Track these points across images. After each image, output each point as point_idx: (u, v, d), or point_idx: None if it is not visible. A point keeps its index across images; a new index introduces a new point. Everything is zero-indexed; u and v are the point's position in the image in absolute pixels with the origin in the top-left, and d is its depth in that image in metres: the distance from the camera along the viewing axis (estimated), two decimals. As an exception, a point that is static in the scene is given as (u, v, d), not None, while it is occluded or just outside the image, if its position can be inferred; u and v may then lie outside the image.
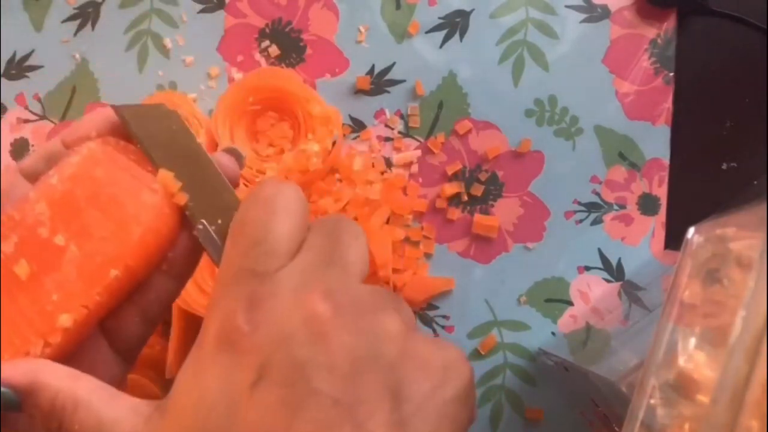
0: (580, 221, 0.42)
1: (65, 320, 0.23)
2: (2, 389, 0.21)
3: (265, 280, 0.21)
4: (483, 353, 0.41)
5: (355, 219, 0.41)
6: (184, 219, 0.25)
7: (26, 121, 0.46)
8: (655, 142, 0.42)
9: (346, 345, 0.19)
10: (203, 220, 0.23)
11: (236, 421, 0.19)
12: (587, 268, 0.41)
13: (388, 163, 0.43)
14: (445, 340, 0.24)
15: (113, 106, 0.24)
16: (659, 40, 0.42)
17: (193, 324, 0.38)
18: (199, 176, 0.25)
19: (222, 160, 0.26)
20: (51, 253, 0.23)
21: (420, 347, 0.21)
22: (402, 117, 0.43)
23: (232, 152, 0.27)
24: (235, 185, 0.27)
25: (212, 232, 0.23)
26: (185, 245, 0.25)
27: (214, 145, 0.41)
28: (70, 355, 0.23)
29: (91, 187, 0.24)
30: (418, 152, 0.43)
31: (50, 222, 0.23)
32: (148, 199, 0.24)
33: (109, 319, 0.25)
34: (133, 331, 0.25)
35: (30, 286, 0.23)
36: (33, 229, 0.23)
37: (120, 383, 0.25)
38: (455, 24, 0.43)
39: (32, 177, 0.25)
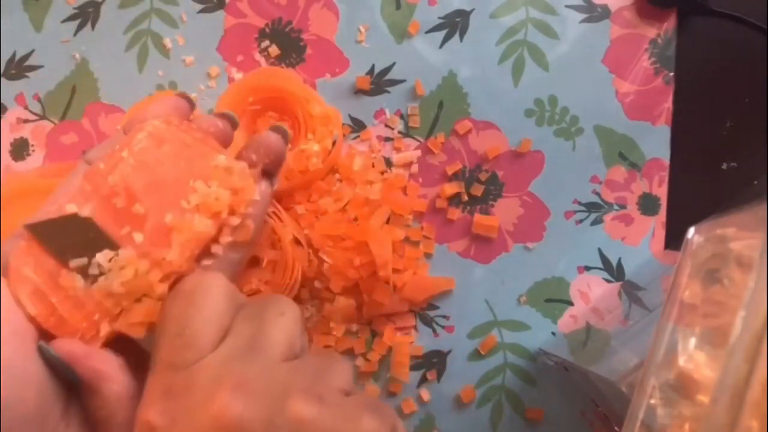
0: (580, 221, 0.42)
1: (155, 279, 0.24)
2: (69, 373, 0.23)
3: (182, 373, 0.21)
4: (483, 353, 0.41)
5: (355, 219, 0.41)
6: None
7: (26, 121, 0.46)
8: (655, 142, 0.42)
9: None
10: (41, 342, 0.24)
11: None
12: (587, 268, 0.41)
13: (388, 163, 0.43)
14: (374, 403, 0.23)
15: (27, 226, 0.24)
16: (659, 40, 0.42)
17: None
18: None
19: (270, 137, 0.28)
20: (131, 220, 0.24)
21: (327, 423, 0.21)
22: (402, 117, 0.43)
23: (278, 130, 0.29)
24: (281, 162, 0.29)
25: (51, 352, 0.24)
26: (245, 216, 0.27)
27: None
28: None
29: (164, 161, 0.25)
30: (418, 152, 0.43)
31: (125, 192, 0.24)
32: (216, 172, 0.26)
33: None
34: None
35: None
36: (108, 199, 0.24)
37: None
38: (455, 24, 0.43)
39: None
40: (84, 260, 0.24)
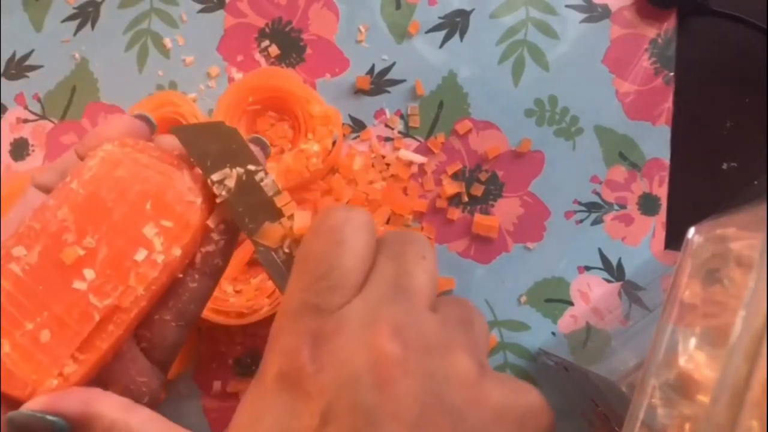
0: (581, 221, 0.42)
1: (103, 318, 0.22)
2: (55, 419, 0.21)
3: (330, 317, 0.20)
4: (483, 353, 0.41)
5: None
6: (218, 212, 0.24)
7: (26, 120, 0.46)
8: (655, 142, 0.41)
9: (413, 392, 0.18)
10: (263, 243, 0.23)
11: None
12: (587, 268, 0.41)
13: (388, 163, 0.43)
14: (523, 381, 0.22)
15: (174, 129, 0.24)
16: (659, 40, 0.42)
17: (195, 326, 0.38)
18: (247, 191, 0.24)
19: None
20: (82, 257, 0.23)
21: (494, 393, 0.19)
22: (402, 117, 0.43)
23: (257, 142, 0.27)
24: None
25: (274, 255, 0.23)
26: (219, 240, 0.24)
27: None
28: (109, 365, 0.23)
29: (116, 187, 0.23)
30: (425, 159, 0.42)
31: (75, 226, 0.23)
32: (177, 193, 0.23)
33: (144, 327, 0.24)
34: (169, 338, 0.24)
35: (62, 292, 0.23)
36: (57, 237, 0.23)
37: (159, 395, 0.24)
38: (455, 24, 0.43)
39: (47, 190, 0.25)
40: (226, 171, 0.23)
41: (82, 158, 0.25)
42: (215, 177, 0.24)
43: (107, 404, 0.21)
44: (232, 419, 0.20)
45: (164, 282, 0.23)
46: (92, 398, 0.21)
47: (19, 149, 0.46)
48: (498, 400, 0.20)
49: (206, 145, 0.24)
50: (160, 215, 0.23)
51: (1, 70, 0.46)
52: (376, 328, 0.19)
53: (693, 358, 0.20)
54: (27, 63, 0.46)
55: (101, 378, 0.23)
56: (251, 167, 0.25)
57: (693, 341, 0.21)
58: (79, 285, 0.22)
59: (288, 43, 0.44)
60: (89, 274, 0.23)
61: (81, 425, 0.21)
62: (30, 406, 0.21)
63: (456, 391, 0.19)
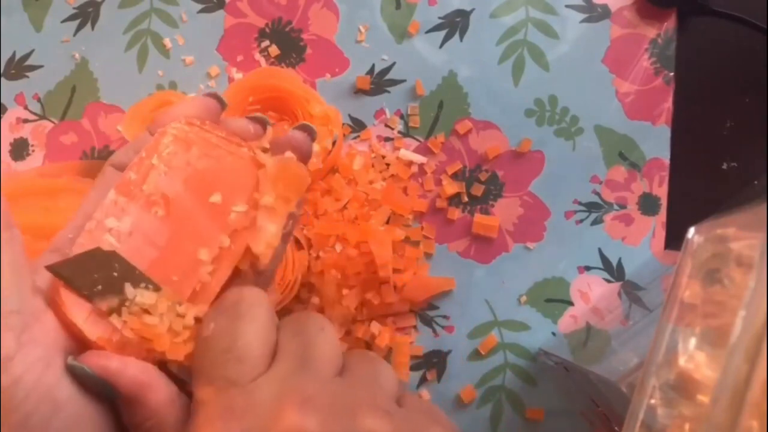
0: (581, 221, 0.42)
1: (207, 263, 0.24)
2: (105, 385, 0.22)
3: (242, 390, 0.21)
4: (483, 353, 0.41)
5: (355, 219, 0.41)
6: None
7: (26, 120, 0.46)
8: (655, 142, 0.41)
9: None
10: (71, 358, 0.22)
11: None
12: (587, 268, 0.41)
13: (388, 163, 0.43)
14: (430, 409, 0.24)
15: (49, 267, 0.23)
16: (659, 40, 0.42)
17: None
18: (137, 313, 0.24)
19: (296, 135, 0.27)
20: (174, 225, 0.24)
21: None
22: (402, 117, 0.43)
23: (305, 129, 0.28)
24: (308, 159, 0.28)
25: (86, 369, 0.22)
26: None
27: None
28: None
29: (194, 164, 0.25)
30: (425, 159, 0.42)
31: (162, 200, 0.24)
32: (244, 165, 0.25)
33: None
34: None
35: (168, 254, 0.24)
36: (147, 209, 0.24)
37: None
38: (455, 24, 0.43)
39: (123, 169, 0.25)
40: (114, 300, 0.23)
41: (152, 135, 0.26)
42: (104, 307, 0.23)
43: (156, 394, 0.22)
44: None
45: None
46: (146, 383, 0.22)
47: (19, 149, 0.46)
48: None
49: (87, 277, 0.23)
50: (236, 192, 0.25)
51: (1, 70, 0.46)
52: (285, 401, 0.20)
53: (693, 358, 0.20)
54: (27, 63, 0.46)
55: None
56: (141, 286, 0.24)
57: (693, 341, 0.21)
58: (203, 255, 0.24)
59: (288, 43, 0.44)
60: (203, 254, 0.24)
61: (127, 401, 0.22)
62: (88, 361, 0.22)
63: None
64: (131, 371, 0.22)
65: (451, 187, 0.42)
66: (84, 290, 0.23)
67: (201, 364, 0.22)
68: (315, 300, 0.41)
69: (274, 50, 0.44)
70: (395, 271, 0.41)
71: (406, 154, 0.42)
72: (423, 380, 0.41)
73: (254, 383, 0.21)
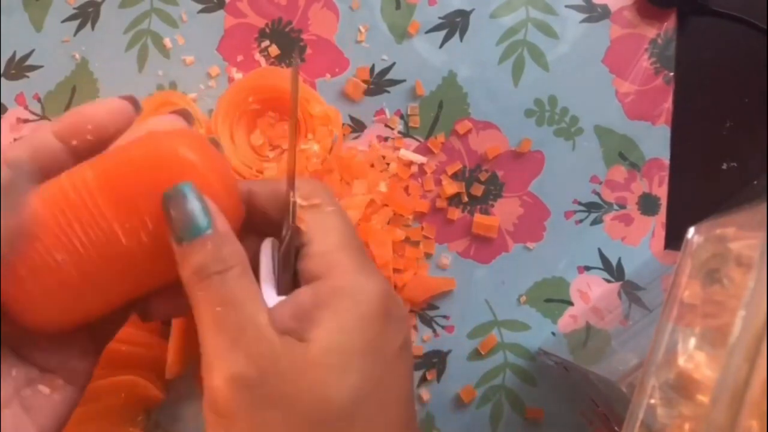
0: (580, 221, 0.42)
1: None
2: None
3: None
4: (483, 353, 0.41)
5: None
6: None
7: (26, 120, 0.46)
8: (655, 142, 0.42)
9: None
10: None
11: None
12: (587, 268, 0.41)
13: (388, 163, 0.43)
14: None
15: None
16: (659, 40, 0.42)
17: (193, 325, 0.38)
18: None
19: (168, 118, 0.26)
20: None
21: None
22: (402, 117, 0.43)
23: (181, 113, 0.27)
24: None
25: None
26: None
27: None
28: None
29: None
30: (425, 159, 0.42)
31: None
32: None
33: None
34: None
35: None
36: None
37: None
38: (455, 24, 0.43)
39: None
40: None
41: (62, 140, 0.24)
42: None
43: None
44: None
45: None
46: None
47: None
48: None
49: None
50: None
51: (1, 70, 0.46)
52: None
53: (693, 358, 0.20)
54: (27, 63, 0.46)
55: None
56: None
57: (693, 341, 0.21)
58: None
59: (288, 44, 0.44)
60: None
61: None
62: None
63: None
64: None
65: (451, 187, 0.42)
66: None
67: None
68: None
69: (274, 50, 0.44)
70: (395, 271, 0.41)
71: (406, 154, 0.42)
72: (423, 380, 0.41)
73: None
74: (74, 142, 0.24)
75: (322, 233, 0.23)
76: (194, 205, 0.22)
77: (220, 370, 0.21)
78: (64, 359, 0.25)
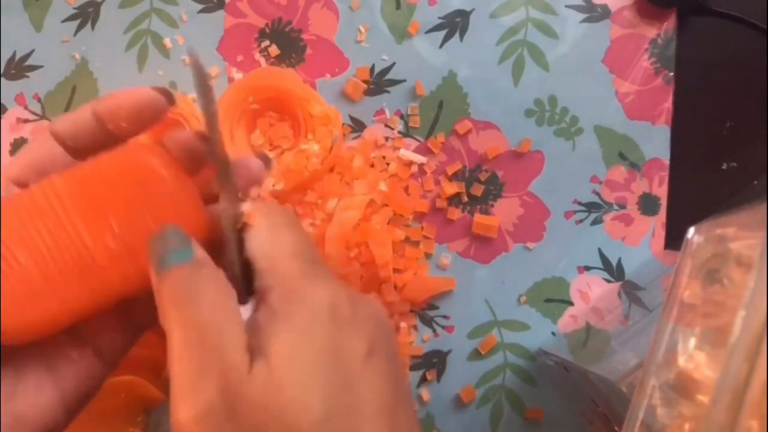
0: (580, 221, 0.42)
1: None
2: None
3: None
4: (483, 353, 0.41)
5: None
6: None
7: (26, 121, 0.46)
8: (655, 142, 0.42)
9: None
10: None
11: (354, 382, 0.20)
12: (587, 268, 0.41)
13: (388, 163, 0.43)
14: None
15: None
16: (659, 40, 0.42)
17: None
18: None
19: (252, 163, 0.26)
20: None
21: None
22: (402, 117, 0.43)
23: (261, 158, 0.27)
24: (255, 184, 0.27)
25: None
26: None
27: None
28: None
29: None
30: (425, 159, 0.42)
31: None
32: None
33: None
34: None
35: None
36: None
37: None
38: (455, 24, 0.43)
39: (22, 185, 0.24)
40: None
41: (99, 119, 0.24)
42: None
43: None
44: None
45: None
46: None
47: (19, 149, 0.46)
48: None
49: None
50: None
51: (1, 70, 0.46)
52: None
53: (693, 358, 0.20)
54: (27, 63, 0.46)
55: None
56: None
57: (693, 341, 0.21)
58: None
59: (288, 43, 0.44)
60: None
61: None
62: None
63: None
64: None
65: (450, 187, 0.42)
66: None
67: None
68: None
69: (274, 50, 0.44)
70: (395, 271, 0.41)
71: (406, 154, 0.42)
72: (423, 380, 0.41)
73: None
74: (110, 126, 0.24)
75: (270, 246, 0.23)
76: (174, 237, 0.22)
77: (187, 402, 0.19)
78: (95, 333, 0.25)
